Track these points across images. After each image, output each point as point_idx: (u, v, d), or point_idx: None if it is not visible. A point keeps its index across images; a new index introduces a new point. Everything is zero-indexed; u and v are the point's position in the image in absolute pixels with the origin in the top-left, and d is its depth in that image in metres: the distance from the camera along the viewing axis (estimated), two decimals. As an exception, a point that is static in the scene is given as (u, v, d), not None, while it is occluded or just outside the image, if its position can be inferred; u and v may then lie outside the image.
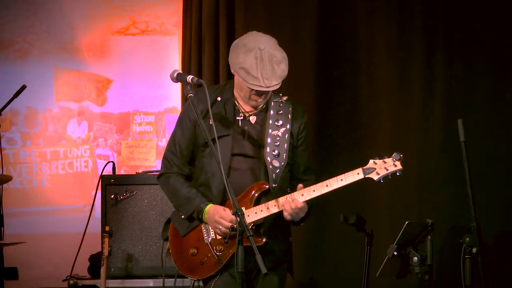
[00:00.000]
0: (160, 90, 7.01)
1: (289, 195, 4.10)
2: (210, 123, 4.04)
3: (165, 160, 4.29)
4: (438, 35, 6.25)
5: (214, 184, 4.18)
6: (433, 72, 6.25)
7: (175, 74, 4.10)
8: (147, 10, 7.11)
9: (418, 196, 6.19)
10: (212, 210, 4.11)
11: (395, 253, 4.40)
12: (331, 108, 6.34)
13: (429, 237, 4.43)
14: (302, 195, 4.10)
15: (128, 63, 7.07)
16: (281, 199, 4.10)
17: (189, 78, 4.04)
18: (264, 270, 3.63)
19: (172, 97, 6.93)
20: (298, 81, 6.30)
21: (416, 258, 4.38)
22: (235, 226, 3.90)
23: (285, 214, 4.11)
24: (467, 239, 4.39)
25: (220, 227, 4.08)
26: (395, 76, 6.30)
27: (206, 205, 4.14)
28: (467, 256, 4.38)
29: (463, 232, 4.46)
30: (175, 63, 6.89)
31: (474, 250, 4.37)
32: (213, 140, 3.94)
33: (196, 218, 4.18)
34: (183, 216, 4.21)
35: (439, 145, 6.18)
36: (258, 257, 3.65)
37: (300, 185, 4.13)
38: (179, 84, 4.27)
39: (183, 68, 6.55)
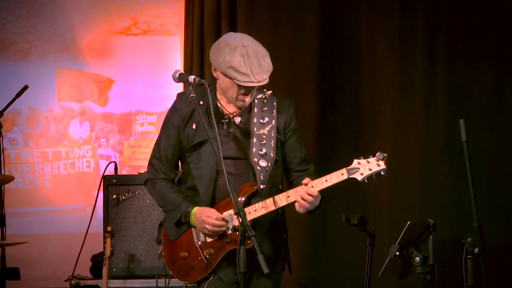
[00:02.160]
0: (162, 90, 7.00)
1: (299, 187, 4.05)
2: (193, 127, 4.09)
3: (150, 166, 4.27)
4: (439, 35, 6.26)
5: (201, 189, 4.16)
6: (434, 72, 6.25)
7: (177, 74, 4.09)
8: (148, 10, 7.11)
9: (420, 196, 6.19)
10: (199, 212, 4.10)
11: (397, 253, 4.40)
12: (332, 107, 6.34)
13: (431, 237, 4.43)
14: (289, 196, 4.08)
15: (130, 63, 7.08)
16: (277, 197, 4.08)
17: (191, 78, 4.03)
18: (266, 270, 3.62)
19: (174, 97, 6.90)
20: (299, 79, 6.31)
21: (418, 258, 4.38)
22: (236, 225, 3.89)
23: (298, 207, 4.06)
24: (469, 239, 4.38)
25: (207, 226, 4.07)
26: (397, 75, 6.30)
27: (192, 208, 4.12)
28: (469, 256, 4.38)
29: (465, 232, 4.46)
30: (177, 63, 6.89)
31: (476, 250, 4.37)
32: (204, 141, 3.97)
33: (184, 223, 4.17)
34: (172, 222, 4.20)
35: (440, 145, 6.18)
36: (260, 257, 3.64)
37: (307, 179, 4.06)
38: (181, 84, 4.27)
39: (185, 68, 6.55)
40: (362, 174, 4.04)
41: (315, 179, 4.08)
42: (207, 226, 4.08)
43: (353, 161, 4.06)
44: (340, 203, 5.52)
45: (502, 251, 5.96)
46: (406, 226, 4.39)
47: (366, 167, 4.04)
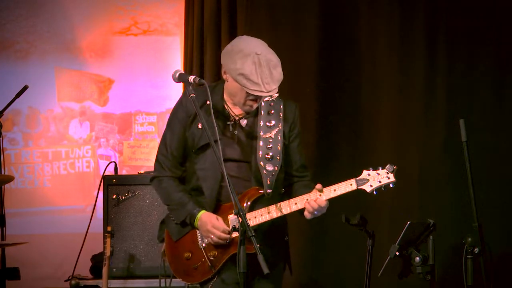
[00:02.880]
0: (162, 90, 7.01)
1: (312, 194, 4.06)
2: (199, 127, 4.07)
3: (157, 163, 4.25)
4: (439, 35, 6.26)
5: (206, 190, 4.14)
6: (434, 72, 6.25)
7: (177, 74, 4.08)
8: (148, 10, 7.11)
9: (420, 196, 6.19)
10: (205, 218, 4.09)
11: (397, 253, 4.40)
12: (332, 107, 6.34)
13: (431, 237, 4.43)
14: (296, 203, 4.08)
15: (130, 63, 7.07)
16: (283, 204, 4.08)
17: (191, 78, 4.02)
18: (266, 270, 3.62)
19: (174, 97, 6.91)
20: (299, 79, 6.31)
21: (418, 258, 4.38)
22: (234, 230, 3.88)
23: (307, 214, 4.07)
24: (469, 239, 4.39)
25: (212, 236, 4.07)
26: (397, 75, 6.30)
27: (199, 211, 4.11)
28: (469, 256, 4.38)
29: (465, 232, 4.46)
30: (177, 63, 6.89)
31: (476, 250, 4.37)
32: (206, 143, 3.95)
33: (188, 223, 4.15)
34: (175, 222, 4.19)
35: (440, 145, 6.18)
36: (260, 257, 3.63)
37: (319, 185, 4.07)
38: (181, 84, 4.28)
39: (185, 68, 6.55)
40: (371, 186, 4.05)
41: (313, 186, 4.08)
42: (212, 236, 4.07)
43: (362, 172, 4.06)
44: (340, 203, 5.51)
45: (502, 251, 5.96)
46: (406, 226, 4.39)
47: (376, 179, 4.05)
